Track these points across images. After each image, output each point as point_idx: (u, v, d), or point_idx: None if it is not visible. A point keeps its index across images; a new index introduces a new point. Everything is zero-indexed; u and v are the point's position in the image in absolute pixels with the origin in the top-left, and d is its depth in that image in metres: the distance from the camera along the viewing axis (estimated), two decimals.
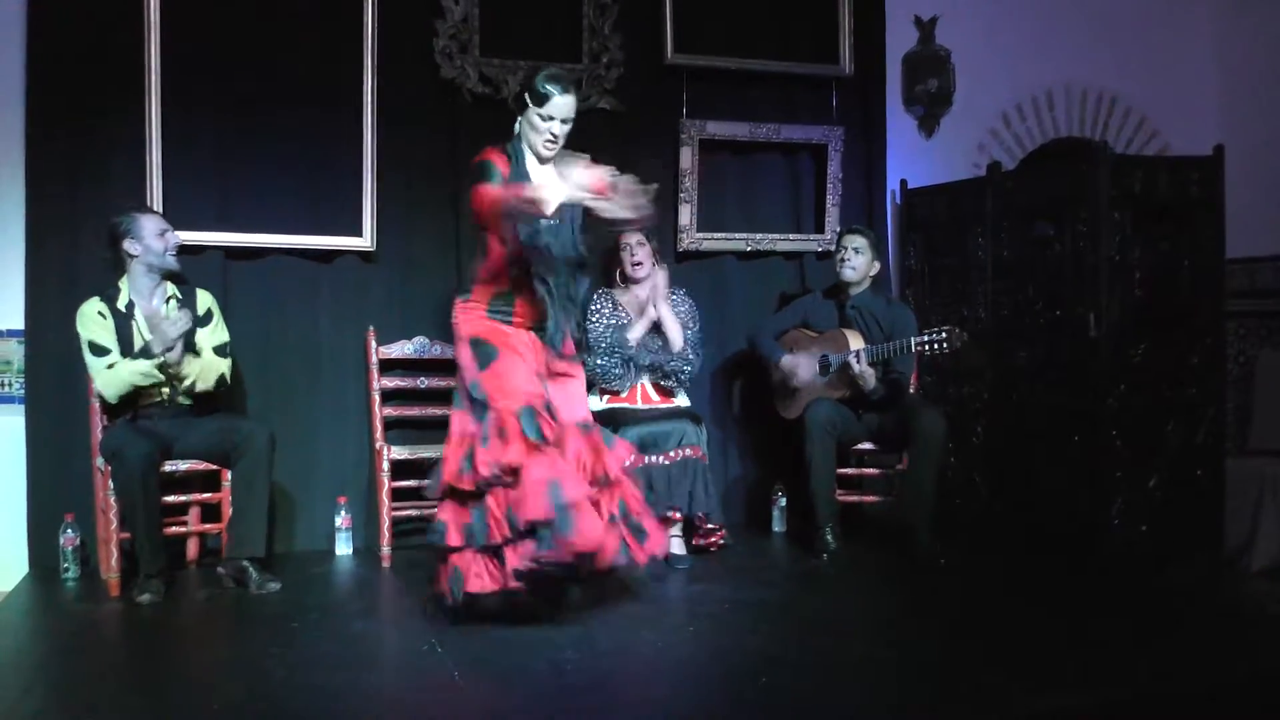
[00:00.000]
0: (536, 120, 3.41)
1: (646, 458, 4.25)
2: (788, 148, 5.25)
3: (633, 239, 4.58)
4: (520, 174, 3.43)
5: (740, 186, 5.27)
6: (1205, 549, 4.49)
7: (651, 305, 4.48)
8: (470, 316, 3.51)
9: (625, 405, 4.53)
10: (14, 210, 4.27)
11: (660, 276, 4.55)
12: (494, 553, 3.31)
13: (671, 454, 4.28)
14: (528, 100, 3.43)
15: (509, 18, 4.76)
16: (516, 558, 3.25)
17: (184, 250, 4.14)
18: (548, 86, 3.38)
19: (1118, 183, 4.49)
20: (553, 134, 3.42)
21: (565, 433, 3.39)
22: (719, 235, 5.15)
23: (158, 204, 4.24)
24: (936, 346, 4.29)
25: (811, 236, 5.27)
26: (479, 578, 3.31)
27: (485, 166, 3.38)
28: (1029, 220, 4.78)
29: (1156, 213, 4.55)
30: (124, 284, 4.03)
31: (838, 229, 5.06)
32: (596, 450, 3.47)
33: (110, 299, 3.99)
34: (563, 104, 3.39)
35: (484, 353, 3.42)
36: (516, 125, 3.51)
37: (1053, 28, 5.66)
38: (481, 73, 4.72)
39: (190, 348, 4.00)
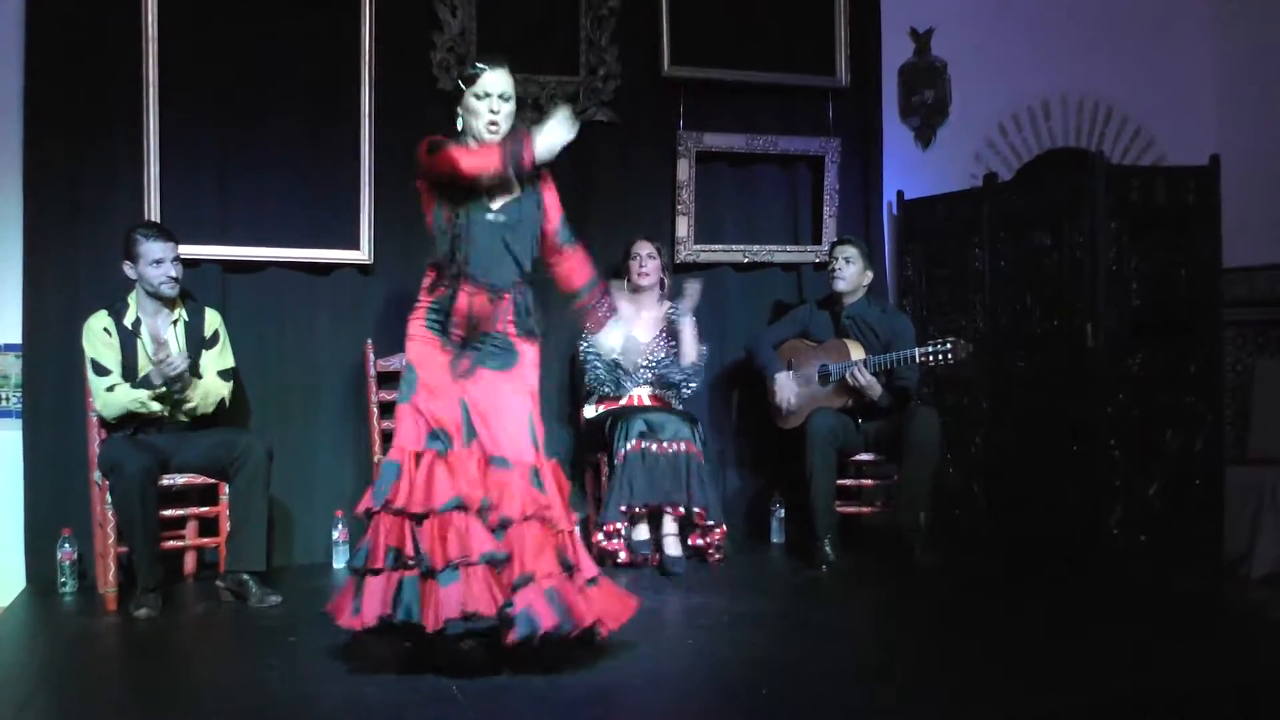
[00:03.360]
0: (473, 103, 3.11)
1: (643, 443, 4.26)
2: (785, 159, 5.26)
3: (644, 250, 4.61)
4: None
5: (737, 198, 5.28)
6: (1205, 557, 4.49)
7: (679, 316, 4.55)
8: (413, 328, 3.24)
9: (622, 407, 4.54)
10: (12, 223, 4.27)
11: (693, 287, 4.60)
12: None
13: (666, 444, 4.29)
14: (462, 86, 3.15)
15: (506, 30, 4.77)
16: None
17: (182, 264, 4.10)
18: (477, 65, 3.14)
19: (1114, 192, 4.51)
20: (492, 112, 3.10)
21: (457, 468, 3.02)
22: (716, 247, 5.16)
23: (155, 217, 4.23)
24: (941, 358, 4.29)
25: (809, 248, 5.28)
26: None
27: (435, 141, 3.13)
28: (1026, 230, 4.79)
29: (1153, 222, 4.57)
30: (132, 299, 4.03)
31: (834, 239, 5.07)
32: (503, 488, 3.01)
33: (118, 314, 3.98)
34: (494, 78, 3.10)
35: (405, 384, 3.18)
36: (458, 122, 3.19)
37: (1048, 38, 5.68)
38: None
39: (194, 370, 3.99)
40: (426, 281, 3.26)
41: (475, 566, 2.92)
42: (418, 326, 3.22)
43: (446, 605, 2.90)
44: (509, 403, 3.13)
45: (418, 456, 3.04)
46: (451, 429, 3.07)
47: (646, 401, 4.61)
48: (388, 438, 4.52)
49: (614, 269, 4.75)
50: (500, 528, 2.97)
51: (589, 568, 3.11)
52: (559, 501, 3.10)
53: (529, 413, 3.17)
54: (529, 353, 3.22)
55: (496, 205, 3.17)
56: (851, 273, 4.64)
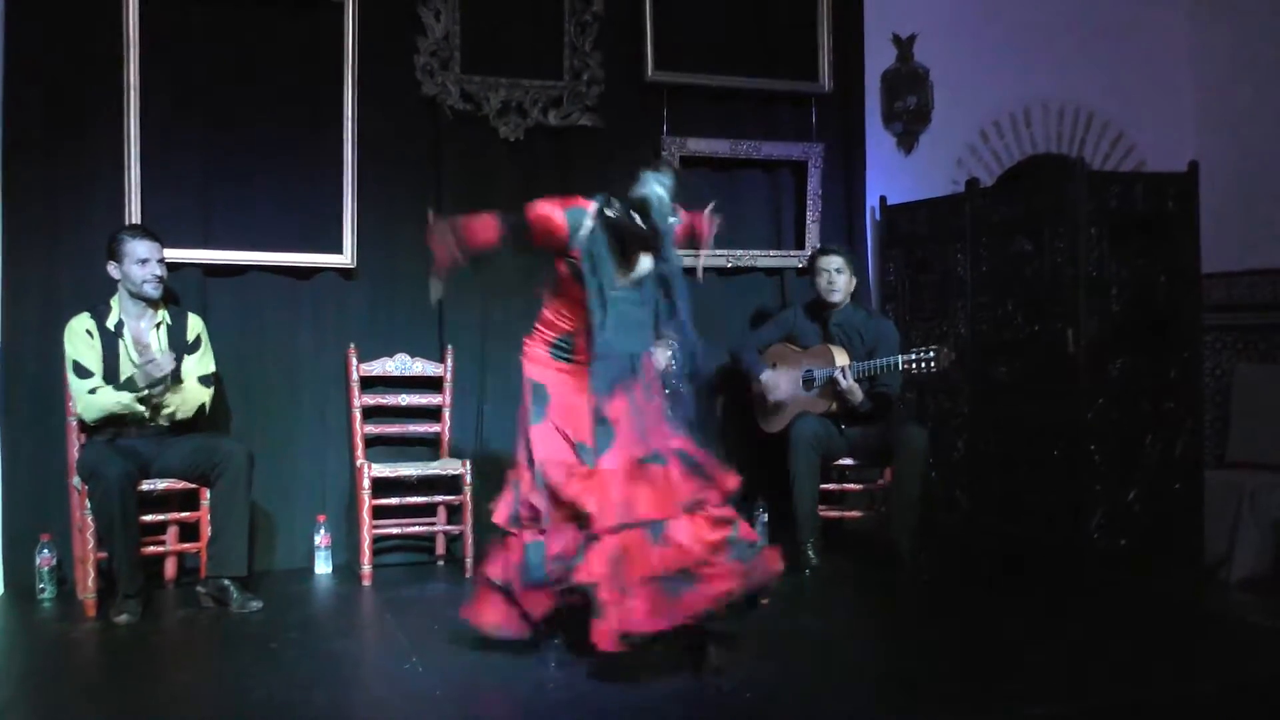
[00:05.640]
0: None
1: None
2: (768, 164, 5.28)
3: None
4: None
5: (721, 203, 5.26)
6: (1185, 561, 4.51)
7: None
8: (533, 352, 3.39)
9: None
10: None
11: None
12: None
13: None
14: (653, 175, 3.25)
15: (490, 35, 4.78)
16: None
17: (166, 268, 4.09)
18: (646, 205, 3.19)
19: (1094, 198, 4.53)
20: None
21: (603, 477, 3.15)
22: (700, 252, 5.15)
23: (136, 221, 4.20)
24: (924, 365, 4.31)
25: (792, 252, 5.29)
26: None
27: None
28: (1007, 236, 4.81)
29: (1133, 228, 4.59)
30: (115, 302, 4.00)
31: (817, 245, 5.09)
32: (654, 483, 3.14)
33: (100, 316, 3.96)
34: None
35: (536, 407, 3.31)
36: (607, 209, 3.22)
37: (1030, 45, 5.71)
38: (463, 89, 4.73)
39: (175, 377, 3.96)
40: (548, 312, 3.38)
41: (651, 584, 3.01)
42: (540, 352, 3.37)
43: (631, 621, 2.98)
44: (644, 398, 3.27)
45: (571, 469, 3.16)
46: (589, 442, 3.19)
47: None
48: (370, 442, 4.54)
49: None
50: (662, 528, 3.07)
51: (749, 533, 3.24)
52: (715, 471, 3.21)
53: (661, 403, 3.35)
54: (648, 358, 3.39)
55: (624, 281, 3.27)
56: (843, 281, 4.67)
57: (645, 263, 3.30)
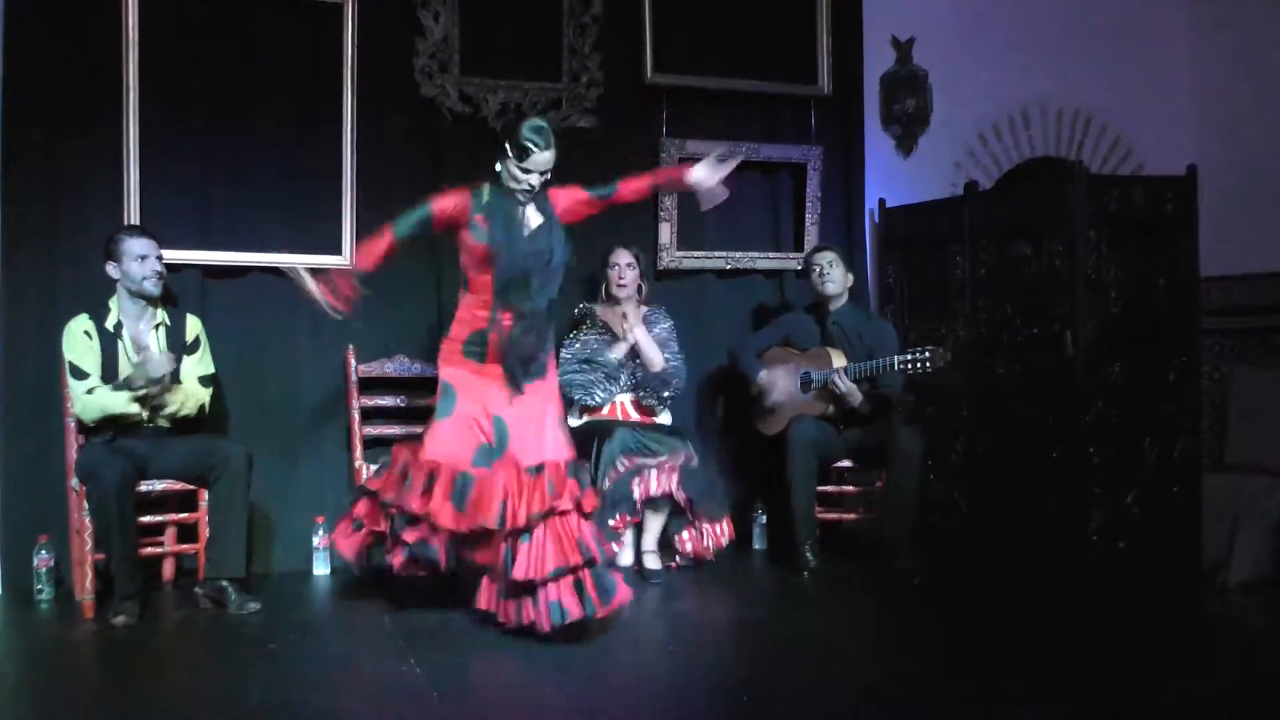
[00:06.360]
0: (515, 170, 3.51)
1: (637, 460, 4.26)
2: (767, 167, 5.28)
3: (623, 259, 4.59)
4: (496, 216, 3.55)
5: (720, 205, 5.28)
6: (1183, 564, 4.51)
7: (628, 333, 4.48)
8: (447, 353, 3.66)
9: (606, 419, 4.52)
10: None
11: (629, 304, 4.58)
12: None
13: (657, 462, 4.29)
14: (508, 149, 3.51)
15: (489, 37, 4.78)
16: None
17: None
18: (528, 142, 3.47)
19: (1093, 201, 4.54)
20: (530, 185, 3.53)
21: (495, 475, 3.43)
22: (699, 253, 5.17)
23: (135, 222, 4.20)
24: (920, 366, 4.33)
25: (790, 255, 5.30)
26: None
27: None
28: (1006, 239, 4.81)
29: (1132, 232, 4.59)
30: (113, 303, 4.00)
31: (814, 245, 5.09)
32: (534, 489, 3.38)
33: (99, 318, 3.95)
34: (543, 160, 3.50)
35: (443, 403, 3.58)
36: (497, 165, 3.59)
37: (1028, 47, 5.72)
38: (462, 91, 4.73)
39: (175, 377, 3.95)
40: (460, 316, 3.65)
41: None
42: (454, 355, 3.62)
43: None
44: (541, 409, 3.56)
45: (457, 472, 3.43)
46: (493, 442, 3.47)
47: (631, 411, 4.59)
48: (369, 444, 4.54)
49: (593, 277, 4.74)
50: (528, 530, 3.32)
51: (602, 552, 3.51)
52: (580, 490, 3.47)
53: (558, 415, 3.66)
54: (550, 361, 3.70)
55: (529, 231, 3.58)
56: (838, 274, 4.69)
57: (535, 215, 3.60)
